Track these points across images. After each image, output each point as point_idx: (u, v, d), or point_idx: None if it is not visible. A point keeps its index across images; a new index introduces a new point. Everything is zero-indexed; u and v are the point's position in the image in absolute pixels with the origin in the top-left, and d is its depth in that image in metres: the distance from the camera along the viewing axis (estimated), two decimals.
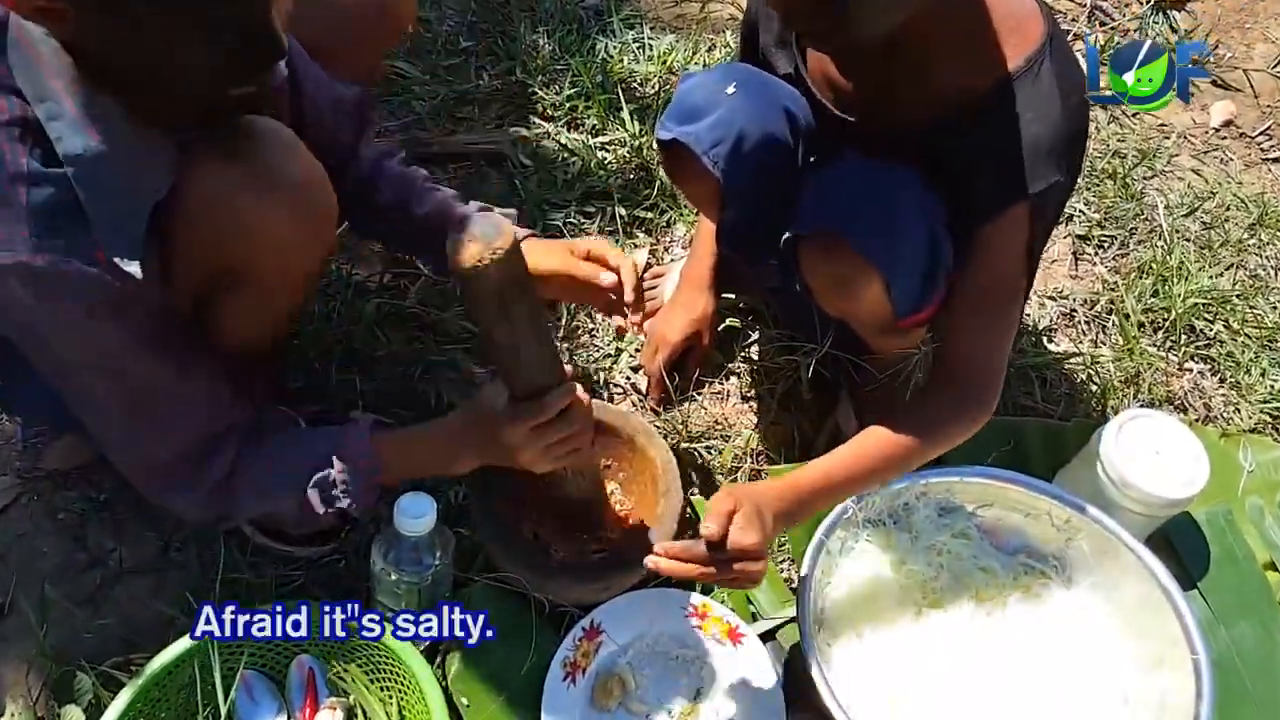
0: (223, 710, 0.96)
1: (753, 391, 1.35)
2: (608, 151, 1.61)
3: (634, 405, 1.35)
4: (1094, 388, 1.40)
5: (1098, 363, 1.44)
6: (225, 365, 0.96)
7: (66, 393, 0.89)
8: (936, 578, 1.11)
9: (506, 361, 0.91)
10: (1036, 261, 1.04)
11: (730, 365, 1.39)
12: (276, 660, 1.02)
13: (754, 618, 1.11)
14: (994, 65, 0.94)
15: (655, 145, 1.16)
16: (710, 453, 1.29)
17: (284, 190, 0.88)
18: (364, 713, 1.00)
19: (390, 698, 1.00)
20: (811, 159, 1.09)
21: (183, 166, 0.83)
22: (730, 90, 1.06)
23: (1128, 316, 1.49)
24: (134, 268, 0.79)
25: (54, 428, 1.20)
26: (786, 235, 1.02)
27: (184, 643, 0.96)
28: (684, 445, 1.28)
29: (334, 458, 0.94)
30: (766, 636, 1.09)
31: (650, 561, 0.90)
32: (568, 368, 0.97)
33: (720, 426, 1.32)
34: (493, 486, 1.11)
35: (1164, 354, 1.48)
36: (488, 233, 0.81)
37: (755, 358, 1.38)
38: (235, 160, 0.86)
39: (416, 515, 0.95)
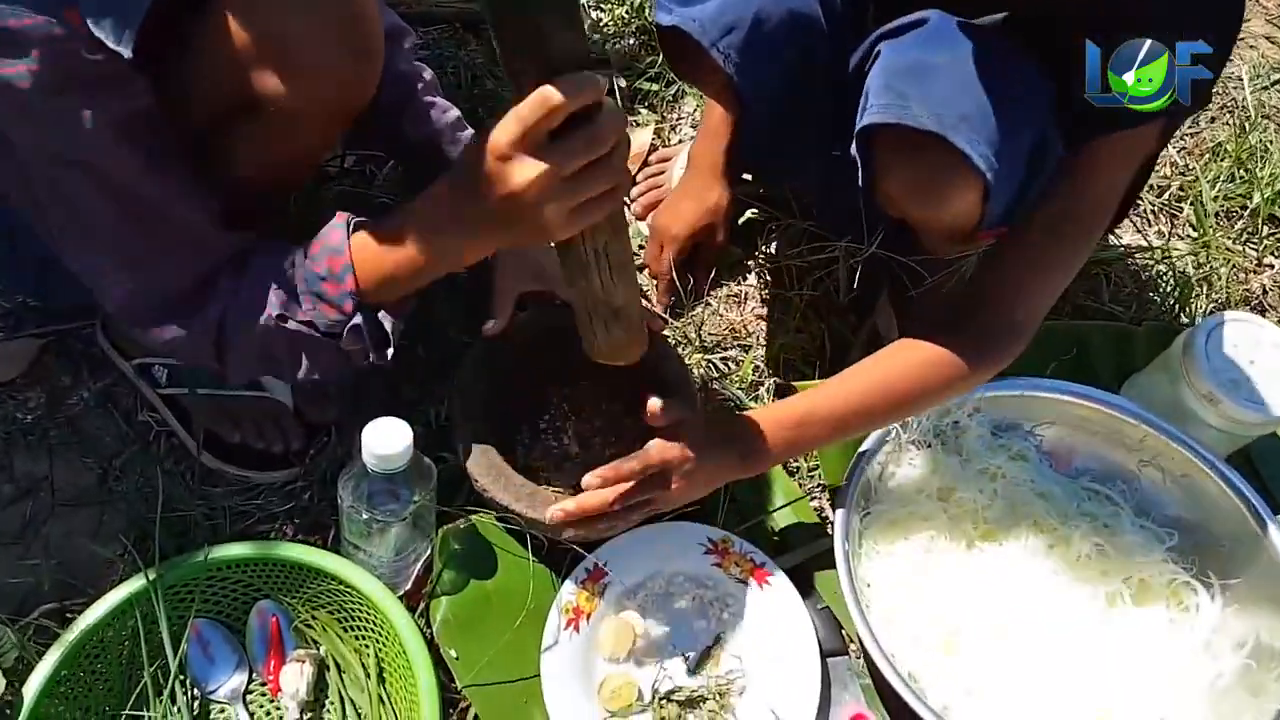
0: (172, 666, 0.87)
1: (776, 293, 1.21)
2: (603, 11, 1.43)
3: None
4: (1166, 286, 1.27)
5: (1169, 258, 1.30)
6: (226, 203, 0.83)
7: (43, 201, 0.77)
8: (990, 506, 1.01)
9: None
10: (1142, 184, 0.90)
11: (748, 263, 1.25)
12: (234, 607, 0.92)
13: (781, 552, 1.00)
14: None
15: (654, 29, 0.98)
16: (728, 365, 1.16)
17: (331, 16, 0.74)
18: (337, 666, 0.90)
19: (367, 648, 0.90)
20: (876, 24, 0.91)
21: None
22: None
23: (1202, 205, 1.35)
24: (125, 49, 0.67)
25: None
26: (859, 126, 0.84)
27: (121, 590, 0.86)
28: (697, 357, 1.15)
29: (299, 254, 0.80)
30: (795, 574, 0.99)
31: (556, 511, 0.86)
32: None
33: (738, 334, 1.20)
34: (479, 402, 0.99)
35: (1241, 248, 1.35)
36: None
37: (776, 252, 1.25)
38: None
39: (389, 448, 0.82)
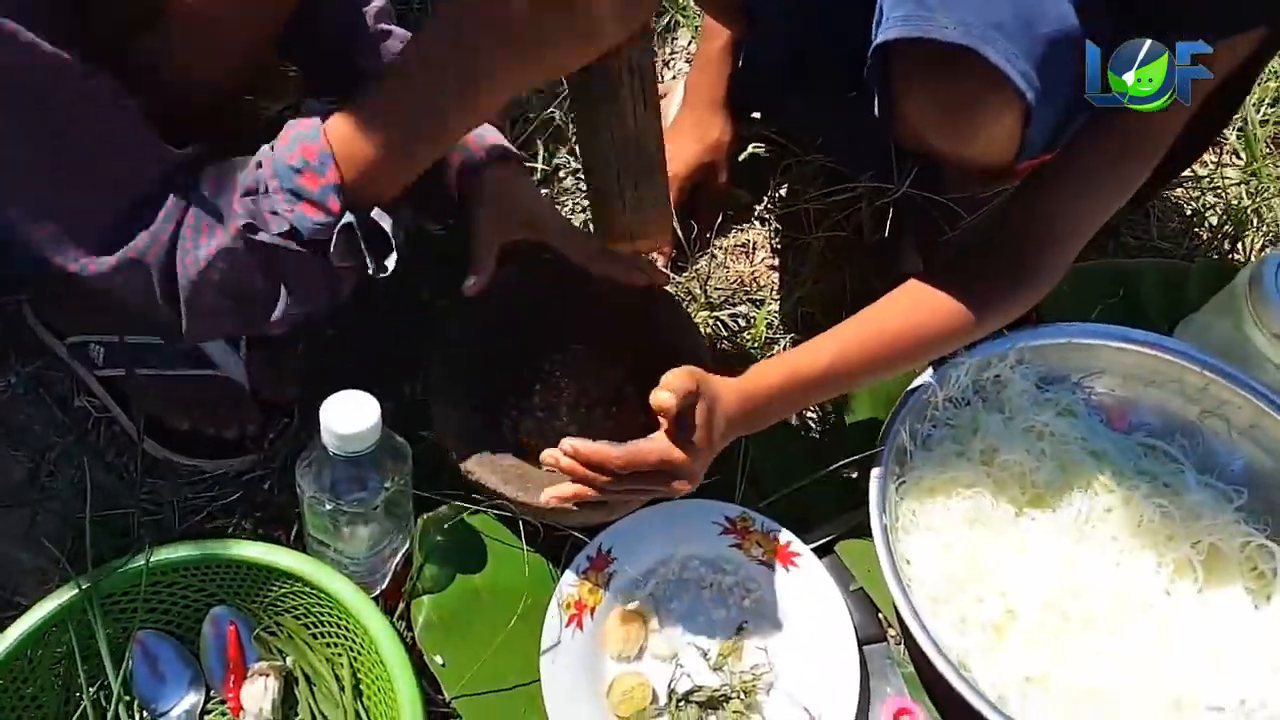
0: (114, 687, 0.76)
1: (790, 239, 1.10)
2: None
3: None
4: (1216, 219, 1.17)
5: (1216, 188, 1.20)
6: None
7: None
8: (1038, 468, 0.91)
9: None
10: (1229, 114, 0.81)
11: (755, 208, 1.14)
12: (184, 616, 0.81)
13: (806, 529, 0.90)
14: None
15: None
16: (738, 323, 1.06)
17: None
18: (307, 679, 0.80)
19: (340, 657, 0.80)
20: None
21: None
22: None
23: (1251, 130, 1.25)
24: None
25: None
26: (873, 44, 0.74)
27: (50, 602, 0.75)
28: (703, 315, 1.04)
29: (265, 150, 0.68)
30: (823, 552, 0.89)
31: (549, 456, 0.75)
32: None
33: (748, 288, 1.09)
34: (460, 371, 0.89)
35: None
36: None
37: (788, 195, 1.14)
38: None
39: (352, 427, 0.71)
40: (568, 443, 0.75)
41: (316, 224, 0.66)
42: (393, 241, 0.69)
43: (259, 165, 0.68)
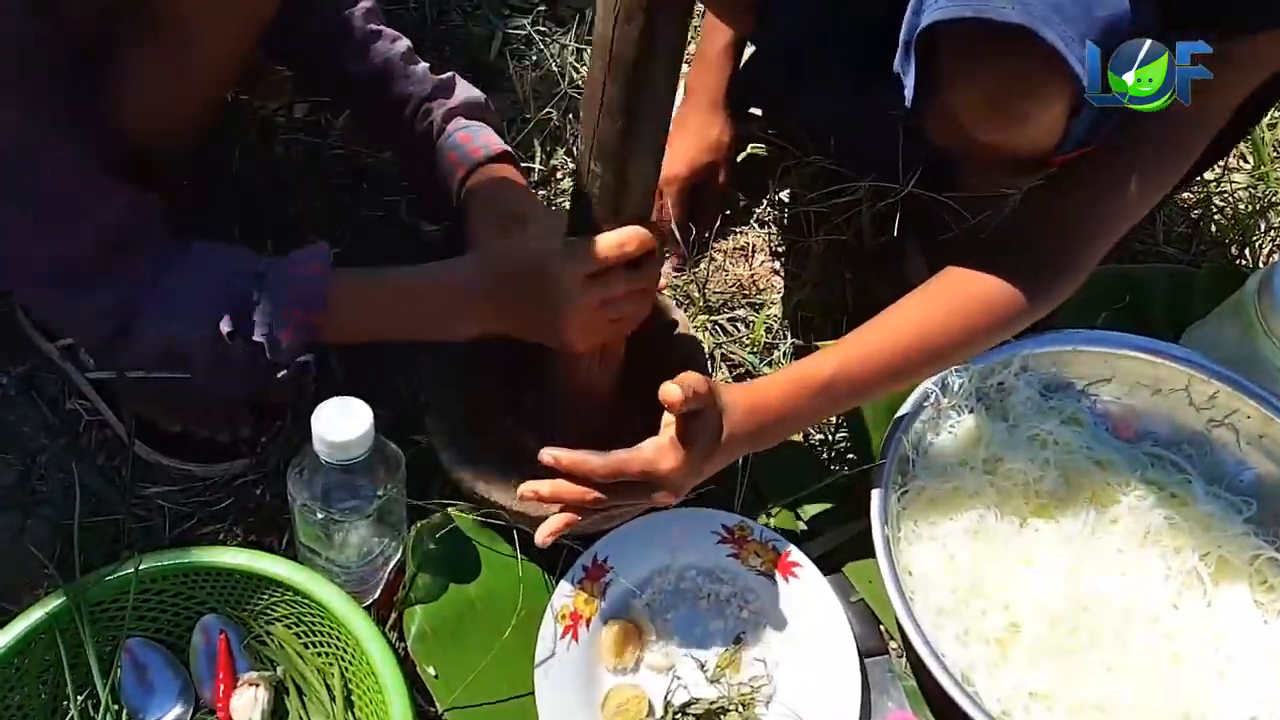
0: (102, 696, 0.75)
1: (790, 242, 1.09)
2: None
3: None
4: (1224, 223, 1.16)
5: (1223, 192, 1.18)
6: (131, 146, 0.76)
7: None
8: (1042, 477, 0.90)
9: (616, 128, 0.66)
10: (1265, 109, 0.79)
11: (754, 210, 1.12)
12: (174, 624, 0.80)
13: (806, 539, 0.89)
14: None
15: None
16: (737, 327, 1.04)
17: None
18: (297, 689, 0.79)
19: (331, 667, 0.79)
20: None
21: None
22: None
23: (1259, 133, 1.23)
24: None
25: None
26: (921, 25, 0.71)
27: (38, 610, 0.74)
28: (701, 318, 1.03)
29: (266, 272, 0.76)
30: (822, 563, 0.87)
31: (527, 489, 0.76)
32: None
33: (747, 292, 1.08)
34: (453, 377, 0.88)
35: None
36: None
37: (789, 197, 1.12)
38: None
39: (344, 434, 0.70)
40: (547, 452, 0.75)
41: (284, 349, 0.75)
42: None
43: (255, 277, 0.74)
